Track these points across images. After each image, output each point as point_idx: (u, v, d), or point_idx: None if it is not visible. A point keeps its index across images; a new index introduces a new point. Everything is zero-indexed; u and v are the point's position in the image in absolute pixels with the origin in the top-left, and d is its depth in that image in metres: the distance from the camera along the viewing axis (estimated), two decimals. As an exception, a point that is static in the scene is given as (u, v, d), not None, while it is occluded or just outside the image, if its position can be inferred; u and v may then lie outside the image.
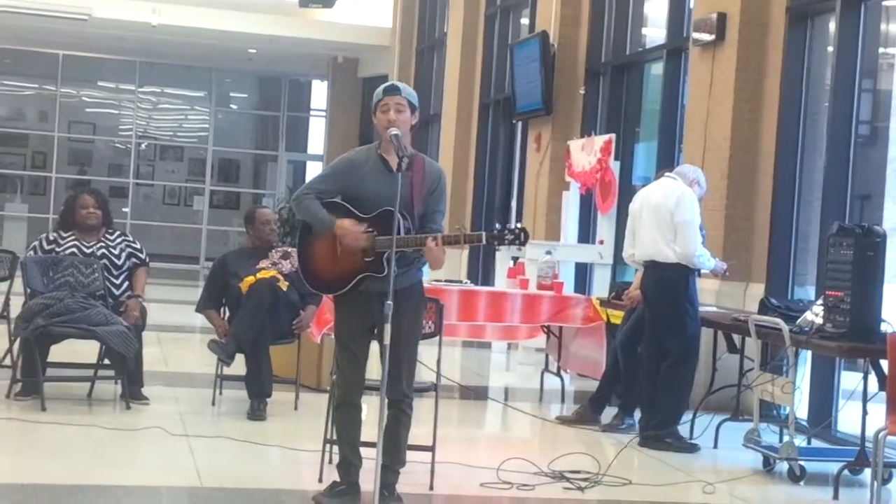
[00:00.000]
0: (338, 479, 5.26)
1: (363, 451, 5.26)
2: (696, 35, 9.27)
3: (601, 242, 10.85)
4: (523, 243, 5.10)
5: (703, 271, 7.41)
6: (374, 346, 5.14)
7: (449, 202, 5.31)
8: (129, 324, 7.21)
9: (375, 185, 5.13)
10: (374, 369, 5.26)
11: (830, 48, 8.23)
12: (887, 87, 8.49)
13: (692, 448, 7.05)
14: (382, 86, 5.26)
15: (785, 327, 6.37)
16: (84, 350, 7.62)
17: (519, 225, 5.12)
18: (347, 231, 5.09)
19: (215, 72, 23.48)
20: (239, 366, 7.38)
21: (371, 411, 5.11)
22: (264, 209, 8.06)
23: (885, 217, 7.81)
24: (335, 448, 5.48)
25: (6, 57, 22.49)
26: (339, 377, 5.27)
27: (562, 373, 8.94)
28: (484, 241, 5.13)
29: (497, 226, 5.22)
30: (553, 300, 8.54)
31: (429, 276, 5.82)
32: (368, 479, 4.98)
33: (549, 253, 9.13)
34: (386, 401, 4.99)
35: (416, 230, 5.10)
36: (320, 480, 5.54)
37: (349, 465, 5.24)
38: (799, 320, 6.54)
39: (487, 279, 13.17)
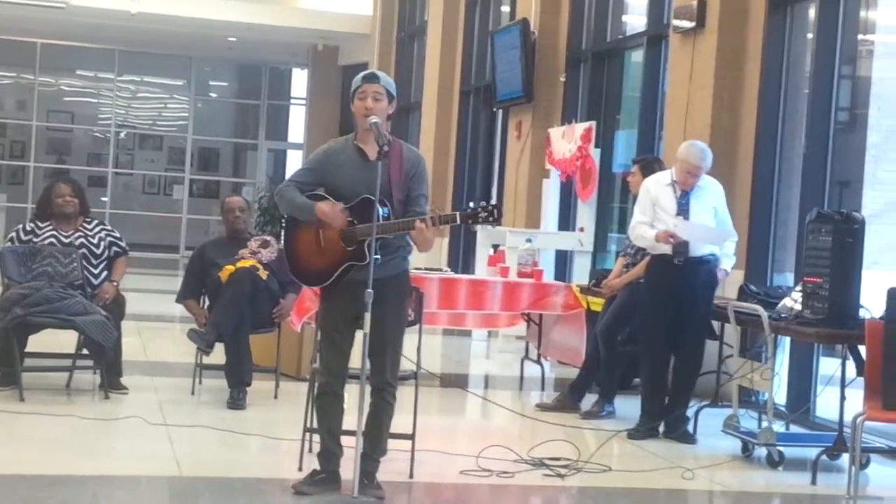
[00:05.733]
0: (318, 468, 5.26)
1: (344, 439, 5.26)
2: (676, 22, 9.27)
3: (581, 230, 10.86)
4: (497, 220, 5.10)
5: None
6: (359, 336, 5.13)
7: (430, 190, 5.31)
8: (99, 304, 7.18)
9: (352, 174, 5.14)
10: (358, 358, 5.24)
11: (810, 35, 8.23)
12: (866, 74, 8.50)
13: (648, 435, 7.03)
14: (361, 73, 5.29)
15: (764, 314, 6.39)
16: (62, 340, 7.58)
17: (492, 202, 5.11)
18: (327, 213, 5.10)
19: (195, 60, 23.37)
20: (218, 355, 7.35)
21: (353, 399, 5.09)
22: (232, 197, 8.09)
23: (864, 203, 7.82)
24: (315, 437, 5.48)
25: (-17, 46, 22.35)
26: (322, 366, 5.25)
27: (542, 360, 8.94)
28: (458, 221, 5.15)
29: (470, 204, 5.18)
30: (533, 288, 8.53)
31: (410, 264, 5.81)
32: (349, 467, 4.97)
33: (529, 240, 9.12)
34: (368, 389, 4.99)
35: (396, 217, 5.10)
36: (300, 469, 5.52)
37: (329, 454, 5.24)
38: (778, 307, 6.56)
39: (468, 267, 13.16)
